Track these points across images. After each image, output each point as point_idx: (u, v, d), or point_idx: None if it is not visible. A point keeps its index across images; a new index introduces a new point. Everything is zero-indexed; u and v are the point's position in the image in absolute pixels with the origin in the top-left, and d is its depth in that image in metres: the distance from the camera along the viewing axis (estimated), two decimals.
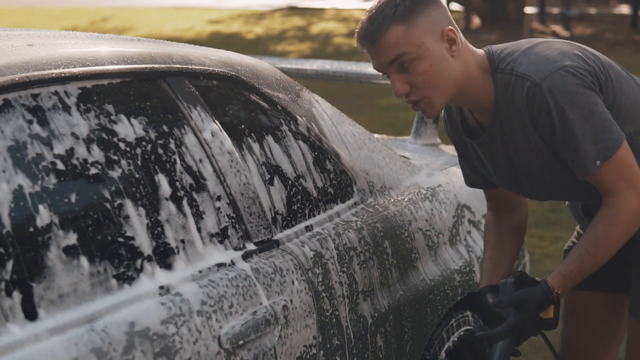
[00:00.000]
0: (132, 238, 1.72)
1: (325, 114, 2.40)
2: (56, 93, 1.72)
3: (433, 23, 1.98)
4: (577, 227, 2.43)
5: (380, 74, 2.05)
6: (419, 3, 1.97)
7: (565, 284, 2.07)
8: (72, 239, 1.61)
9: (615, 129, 1.97)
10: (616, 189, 2.01)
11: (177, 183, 1.85)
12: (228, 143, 2.01)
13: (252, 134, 2.12)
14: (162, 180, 1.82)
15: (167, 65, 1.98)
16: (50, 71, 1.72)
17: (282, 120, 2.23)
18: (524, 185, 2.19)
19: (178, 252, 1.80)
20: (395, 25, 1.95)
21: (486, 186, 2.31)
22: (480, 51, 2.09)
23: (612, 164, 1.98)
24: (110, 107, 1.81)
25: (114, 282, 1.66)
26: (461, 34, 2.06)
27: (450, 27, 2.00)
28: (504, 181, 2.23)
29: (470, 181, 2.35)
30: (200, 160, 1.93)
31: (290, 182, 2.15)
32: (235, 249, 1.94)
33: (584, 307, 2.42)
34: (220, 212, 1.92)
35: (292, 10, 20.93)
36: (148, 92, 1.92)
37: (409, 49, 1.95)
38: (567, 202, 2.40)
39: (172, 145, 1.89)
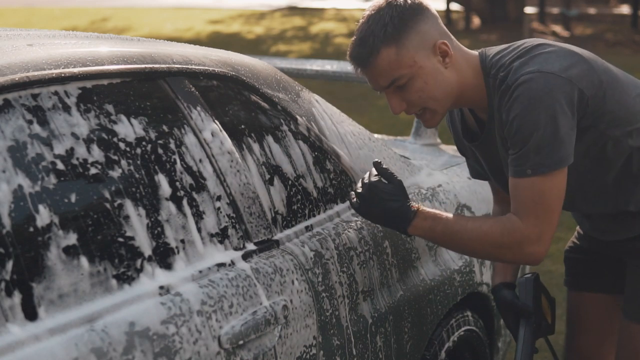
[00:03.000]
0: (132, 238, 1.72)
1: (325, 114, 2.40)
2: (56, 93, 1.72)
3: (424, 39, 1.99)
4: (577, 228, 2.43)
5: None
6: (408, 20, 1.97)
7: (425, 224, 2.08)
8: (72, 239, 1.61)
9: (563, 151, 1.94)
10: (523, 216, 1.98)
11: (177, 183, 1.85)
12: (228, 143, 2.01)
13: (252, 134, 2.12)
14: (162, 180, 1.82)
15: (167, 65, 1.98)
16: (50, 71, 1.72)
17: (282, 120, 2.23)
18: None
19: (178, 252, 1.80)
20: (386, 47, 1.97)
21: (489, 178, 2.32)
22: (475, 54, 2.09)
23: (539, 182, 1.95)
24: (110, 107, 1.81)
25: (114, 282, 1.66)
26: (454, 41, 2.06)
27: (441, 40, 2.00)
28: (499, 183, 2.25)
29: (474, 173, 2.38)
30: (200, 160, 1.93)
31: (290, 182, 2.15)
32: (235, 249, 1.94)
33: (586, 308, 2.42)
34: (220, 212, 1.92)
35: (292, 10, 20.92)
36: (148, 92, 1.92)
37: (402, 71, 1.98)
38: None
39: (172, 145, 1.89)
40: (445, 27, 2.06)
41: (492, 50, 2.10)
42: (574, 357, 2.48)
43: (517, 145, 1.97)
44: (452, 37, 2.07)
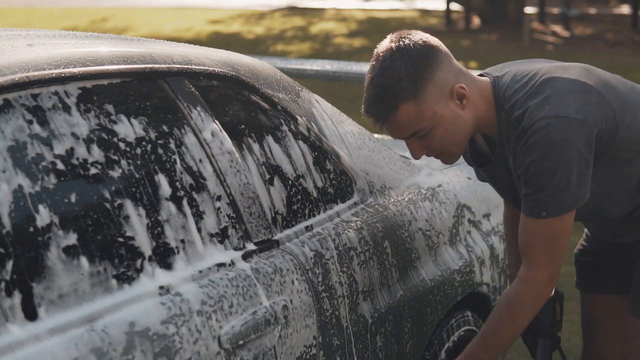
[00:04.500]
0: (132, 238, 1.72)
1: (325, 114, 2.40)
2: (56, 93, 1.72)
3: (441, 87, 1.96)
4: (585, 230, 2.44)
5: None
6: (423, 71, 1.93)
7: None
8: (72, 239, 1.61)
9: (576, 194, 1.96)
10: (535, 258, 2.02)
11: (177, 183, 1.85)
12: (228, 143, 2.01)
13: (252, 134, 2.12)
14: (162, 180, 1.82)
15: (167, 65, 1.98)
16: (50, 71, 1.72)
17: (282, 120, 2.23)
18: None
19: (178, 252, 1.80)
20: (405, 103, 1.93)
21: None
22: (486, 83, 2.06)
23: (551, 224, 1.98)
24: (110, 107, 1.81)
25: (114, 282, 1.66)
26: (467, 74, 2.02)
27: (459, 84, 1.97)
28: (507, 199, 2.26)
29: (481, 178, 2.37)
30: (200, 160, 1.93)
31: (290, 182, 2.15)
32: (235, 249, 1.94)
33: (600, 310, 2.43)
34: (220, 212, 1.92)
35: (292, 10, 20.93)
36: (148, 92, 1.92)
37: (422, 124, 1.96)
38: None
39: (172, 145, 1.89)
40: (457, 63, 2.02)
41: (504, 79, 2.06)
42: (591, 359, 2.49)
43: (531, 187, 1.98)
44: (464, 70, 2.03)
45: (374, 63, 1.97)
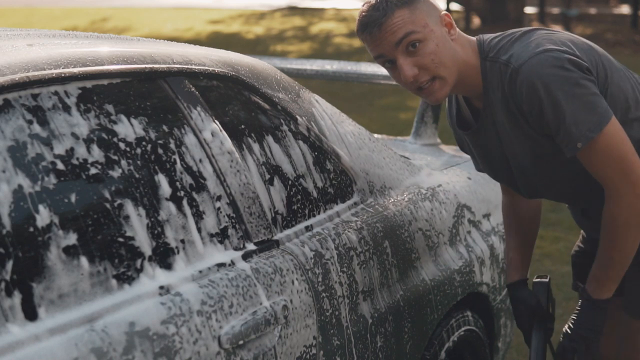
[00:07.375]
0: (132, 238, 1.72)
1: (325, 114, 2.40)
2: (56, 93, 1.72)
3: (431, 7, 2.04)
4: (582, 232, 2.44)
5: (382, 67, 2.08)
6: None
7: (603, 290, 2.12)
8: (72, 239, 1.61)
9: (599, 109, 1.96)
10: (609, 182, 2.01)
11: (177, 183, 1.85)
12: (228, 143, 2.01)
13: (252, 134, 2.12)
14: (162, 180, 1.82)
15: (167, 65, 1.98)
16: (50, 71, 1.72)
17: (282, 120, 2.23)
18: (515, 179, 2.21)
19: (178, 252, 1.80)
20: (400, 9, 1.99)
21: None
22: (473, 38, 2.13)
23: (597, 146, 1.97)
24: (110, 107, 1.81)
25: (114, 282, 1.66)
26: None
27: (445, 12, 2.05)
28: (496, 175, 2.26)
29: (478, 167, 2.37)
30: (200, 160, 1.93)
31: (290, 182, 2.15)
32: (235, 249, 1.94)
33: None
34: (220, 212, 1.92)
35: (292, 10, 20.93)
36: (148, 92, 1.92)
37: (415, 27, 1.99)
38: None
39: (172, 145, 1.89)
40: None
41: (489, 35, 2.14)
42: None
43: (553, 129, 1.99)
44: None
45: None
